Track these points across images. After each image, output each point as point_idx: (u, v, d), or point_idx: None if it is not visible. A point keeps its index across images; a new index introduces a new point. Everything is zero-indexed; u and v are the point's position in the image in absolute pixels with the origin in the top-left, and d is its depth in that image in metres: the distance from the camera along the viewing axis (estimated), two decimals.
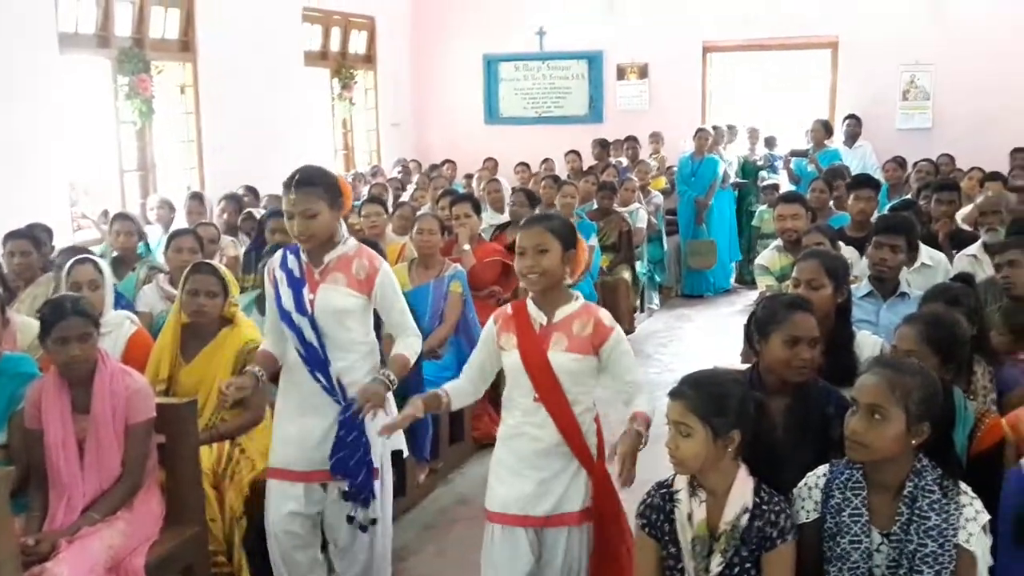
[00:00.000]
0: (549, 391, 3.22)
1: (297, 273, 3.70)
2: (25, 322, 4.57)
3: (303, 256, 3.72)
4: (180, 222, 7.76)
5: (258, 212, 7.63)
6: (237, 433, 4.27)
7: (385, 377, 3.62)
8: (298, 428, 3.76)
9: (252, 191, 8.93)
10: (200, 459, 3.94)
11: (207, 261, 4.77)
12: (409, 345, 3.79)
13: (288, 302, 3.68)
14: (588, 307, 3.30)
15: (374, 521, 3.78)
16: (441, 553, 4.85)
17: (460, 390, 3.45)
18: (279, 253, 3.83)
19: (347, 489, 3.68)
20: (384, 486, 3.88)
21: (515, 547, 3.29)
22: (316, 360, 3.67)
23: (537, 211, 7.60)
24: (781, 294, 3.61)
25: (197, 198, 8.13)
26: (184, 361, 4.38)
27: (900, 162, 9.52)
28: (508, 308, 3.38)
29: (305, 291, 3.67)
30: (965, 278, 4.13)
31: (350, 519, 3.72)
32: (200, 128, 9.55)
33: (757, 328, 3.22)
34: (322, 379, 3.68)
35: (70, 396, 3.60)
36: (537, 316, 3.27)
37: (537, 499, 3.25)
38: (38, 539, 3.33)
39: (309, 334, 3.65)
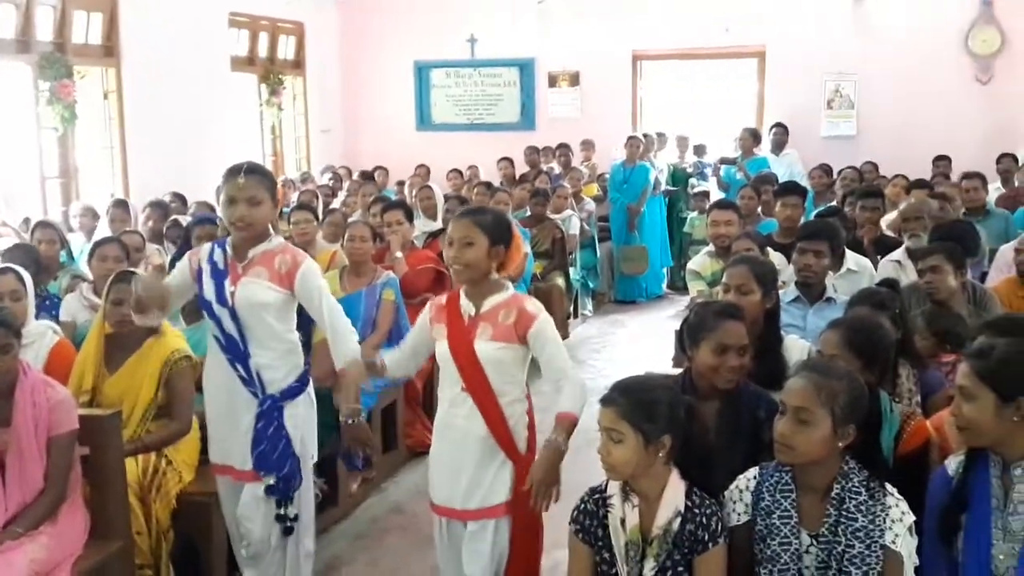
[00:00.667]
0: (475, 381, 3.28)
1: (221, 265, 3.72)
2: None
3: (228, 250, 3.75)
4: (104, 230, 7.60)
5: (184, 219, 7.50)
6: (163, 445, 4.19)
7: (356, 415, 3.62)
8: (224, 420, 3.80)
9: (180, 198, 8.77)
10: (125, 471, 3.86)
11: (131, 270, 4.67)
12: (341, 353, 3.72)
13: (210, 292, 3.71)
14: (515, 296, 3.37)
15: (295, 518, 3.78)
16: (374, 563, 4.81)
17: (396, 360, 3.57)
18: (207, 246, 3.85)
19: (272, 484, 3.69)
20: (304, 482, 3.86)
21: (456, 540, 3.41)
22: (236, 351, 3.70)
23: None
24: (713, 301, 3.64)
25: (121, 205, 7.96)
26: (108, 372, 4.28)
27: (826, 169, 9.71)
28: (443, 299, 3.47)
29: (227, 283, 3.69)
30: (890, 283, 4.21)
31: (280, 518, 3.74)
32: (124, 134, 9.38)
33: (688, 334, 3.26)
34: (241, 370, 3.70)
35: None
36: (467, 307, 3.35)
37: (468, 492, 3.32)
38: None
39: (229, 325, 3.68)
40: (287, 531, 3.78)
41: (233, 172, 3.66)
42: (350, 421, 3.59)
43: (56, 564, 3.45)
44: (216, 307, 3.69)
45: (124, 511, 3.79)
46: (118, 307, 4.24)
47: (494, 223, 3.35)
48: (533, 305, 3.35)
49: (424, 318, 3.49)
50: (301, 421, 3.80)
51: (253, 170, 3.69)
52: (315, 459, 3.97)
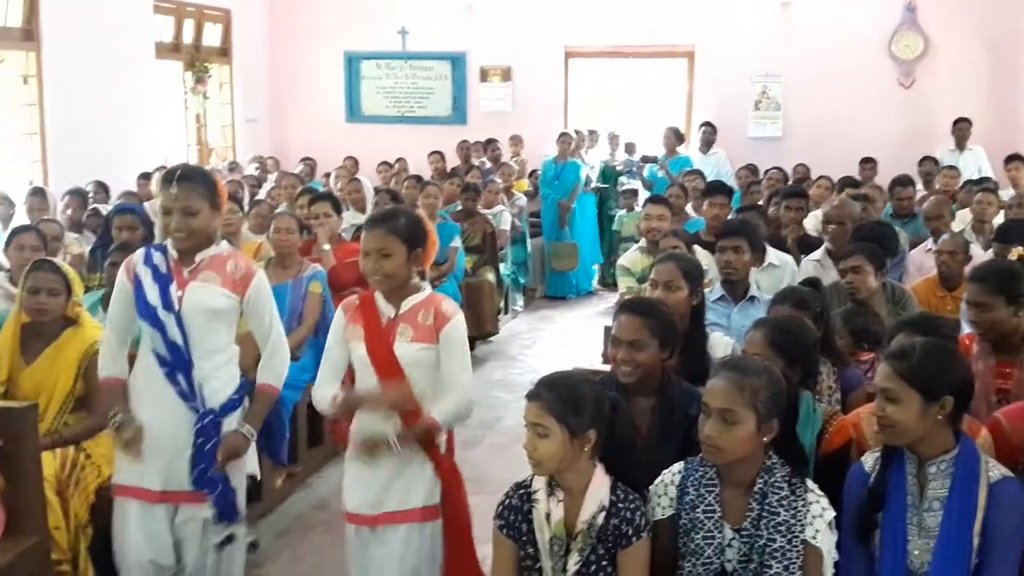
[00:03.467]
0: (391, 376, 3.21)
1: (163, 269, 3.56)
2: None
3: (171, 253, 3.58)
4: (21, 218, 7.41)
5: (105, 208, 7.34)
6: (82, 438, 4.10)
7: (248, 432, 3.59)
8: (152, 439, 3.54)
9: (102, 187, 8.59)
10: (42, 465, 3.75)
11: (49, 259, 4.56)
12: (274, 369, 3.70)
13: (153, 297, 3.52)
14: (432, 297, 3.32)
15: (231, 538, 3.65)
16: (298, 559, 4.76)
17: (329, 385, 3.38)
18: (141, 251, 3.67)
19: (216, 508, 3.54)
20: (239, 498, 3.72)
21: (375, 549, 3.29)
22: (179, 361, 3.52)
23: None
24: (633, 298, 3.66)
25: (39, 193, 7.76)
26: (25, 362, 4.17)
27: (752, 169, 9.86)
28: (356, 299, 3.38)
29: (172, 288, 3.52)
30: (812, 282, 4.28)
31: (228, 539, 3.61)
32: (44, 120, 9.13)
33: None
34: (182, 382, 3.52)
35: None
36: (385, 309, 3.28)
37: (381, 495, 3.25)
38: None
39: (173, 332, 3.50)
40: (223, 544, 3.63)
41: (166, 180, 3.49)
42: (244, 433, 3.57)
43: None
44: (161, 312, 3.51)
45: (40, 506, 3.68)
46: (35, 296, 4.13)
47: (409, 227, 3.26)
48: (449, 306, 3.30)
49: (339, 321, 3.37)
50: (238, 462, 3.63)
51: (186, 176, 3.49)
52: (258, 477, 3.89)
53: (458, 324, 3.27)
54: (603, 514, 2.63)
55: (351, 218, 7.92)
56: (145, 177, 8.98)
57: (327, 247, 6.54)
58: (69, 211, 7.65)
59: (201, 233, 3.52)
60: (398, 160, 11.51)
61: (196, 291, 3.52)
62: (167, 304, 3.51)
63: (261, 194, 9.55)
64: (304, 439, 5.73)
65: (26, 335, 4.21)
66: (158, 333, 3.51)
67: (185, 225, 3.46)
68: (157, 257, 3.59)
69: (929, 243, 6.25)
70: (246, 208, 7.70)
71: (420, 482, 3.25)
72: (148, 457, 3.54)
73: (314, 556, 4.76)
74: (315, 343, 5.85)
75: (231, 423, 3.58)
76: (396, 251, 3.20)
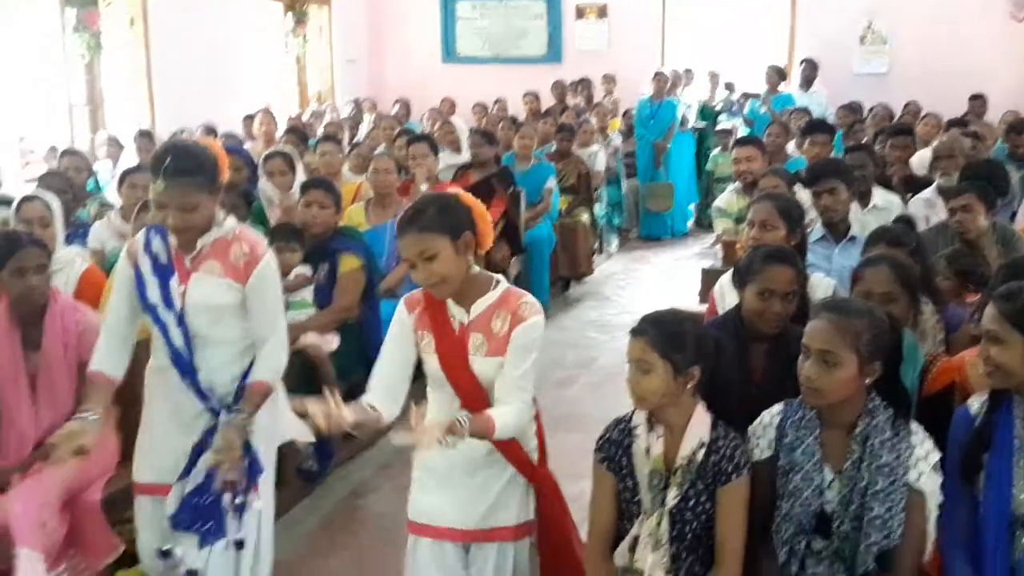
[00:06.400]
0: (475, 400, 2.77)
1: (164, 259, 3.20)
2: None
3: (171, 239, 3.21)
4: (129, 159, 7.63)
5: None
6: None
7: (240, 424, 3.17)
8: (168, 435, 3.31)
9: (211, 131, 8.79)
10: None
11: None
12: (270, 362, 3.28)
13: (153, 294, 3.19)
14: (508, 296, 2.80)
15: (240, 544, 3.27)
16: (398, 491, 4.83)
17: (381, 400, 2.84)
18: (141, 234, 3.33)
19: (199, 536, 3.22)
20: (265, 502, 3.37)
21: (442, 563, 2.91)
22: (182, 365, 3.22)
23: (495, 153, 7.58)
24: (766, 245, 3.58)
25: (146, 135, 8.00)
26: None
27: (852, 108, 9.58)
28: (419, 296, 2.87)
29: (173, 282, 3.18)
30: (905, 219, 4.18)
31: (165, 554, 3.26)
32: (150, 63, 9.34)
33: (738, 276, 3.24)
34: (191, 386, 3.23)
35: (20, 333, 3.54)
36: (456, 312, 2.81)
37: (466, 510, 2.87)
38: None
39: (174, 332, 3.18)
40: (237, 545, 3.27)
41: (154, 171, 3.09)
42: (238, 421, 3.16)
43: (88, 484, 3.52)
44: (161, 311, 3.18)
45: None
46: None
47: (442, 215, 2.71)
48: (529, 306, 2.77)
49: (403, 322, 2.87)
50: (260, 429, 3.28)
51: (179, 171, 3.06)
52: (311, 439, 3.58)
53: (533, 325, 2.76)
54: (703, 451, 2.63)
55: (446, 159, 7.97)
56: (249, 119, 9.15)
57: (424, 187, 6.61)
58: None
59: (203, 225, 3.16)
60: (496, 101, 11.48)
61: (198, 287, 3.18)
62: (168, 301, 3.18)
63: (360, 135, 9.66)
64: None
65: None
66: (159, 332, 3.24)
67: (184, 221, 3.11)
68: (156, 244, 3.23)
69: None
70: (345, 150, 7.79)
71: (512, 497, 2.89)
72: (157, 450, 3.33)
73: None
74: (412, 282, 5.94)
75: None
76: (439, 248, 2.67)
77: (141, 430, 3.41)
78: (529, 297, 2.83)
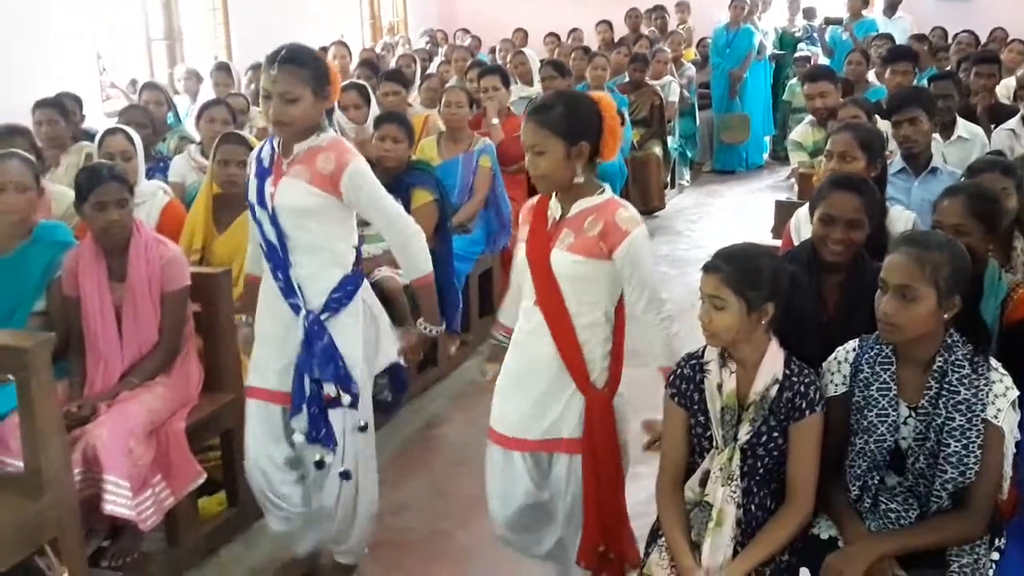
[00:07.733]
0: (546, 294, 2.88)
1: (267, 163, 3.30)
2: (59, 191, 4.61)
3: (276, 145, 3.31)
4: (207, 93, 7.71)
5: None
6: None
7: (427, 331, 3.46)
8: (274, 342, 3.40)
9: None
10: (235, 328, 3.94)
11: (237, 132, 4.76)
12: (412, 259, 3.40)
13: (252, 193, 3.32)
14: (608, 204, 2.86)
15: (364, 427, 3.40)
16: (471, 422, 4.94)
17: (507, 311, 3.22)
18: (264, 140, 3.44)
19: (309, 429, 3.32)
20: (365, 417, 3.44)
21: (511, 473, 3.05)
22: (276, 258, 3.30)
23: (567, 85, 7.49)
24: (841, 173, 3.50)
25: (224, 69, 8.06)
26: (217, 232, 4.42)
27: (937, 34, 9.23)
28: (535, 198, 3.04)
29: (268, 183, 3.26)
30: (998, 154, 4.06)
31: (319, 464, 3.33)
32: None
33: (811, 204, 3.20)
34: (281, 279, 3.31)
35: (106, 264, 3.63)
36: (554, 208, 2.91)
37: (531, 419, 2.98)
38: (79, 404, 3.42)
39: (268, 229, 3.27)
40: (344, 475, 3.37)
41: (268, 61, 3.17)
42: (427, 330, 3.45)
43: (172, 413, 3.61)
44: (257, 210, 3.30)
45: (235, 365, 3.92)
46: (225, 167, 4.34)
47: (565, 118, 2.78)
48: (626, 219, 2.81)
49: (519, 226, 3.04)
50: (351, 339, 3.32)
51: (289, 59, 3.14)
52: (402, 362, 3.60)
53: (636, 241, 2.82)
54: (776, 387, 2.62)
55: (518, 91, 7.90)
56: (323, 51, 9.17)
57: (496, 121, 6.59)
58: (253, 85, 7.91)
59: (301, 123, 3.19)
60: (572, 31, 11.31)
61: (285, 188, 3.23)
62: (261, 200, 3.27)
63: (431, 68, 9.62)
64: (476, 309, 5.90)
65: (217, 206, 4.44)
66: (258, 231, 3.34)
67: (283, 113, 3.14)
68: (266, 149, 3.34)
69: None
70: (417, 82, 7.78)
71: (572, 411, 2.95)
72: (265, 356, 3.42)
73: (486, 419, 4.92)
74: (484, 216, 5.96)
75: (339, 322, 3.29)
76: (550, 148, 2.78)
77: (255, 335, 3.48)
78: (630, 210, 2.87)
